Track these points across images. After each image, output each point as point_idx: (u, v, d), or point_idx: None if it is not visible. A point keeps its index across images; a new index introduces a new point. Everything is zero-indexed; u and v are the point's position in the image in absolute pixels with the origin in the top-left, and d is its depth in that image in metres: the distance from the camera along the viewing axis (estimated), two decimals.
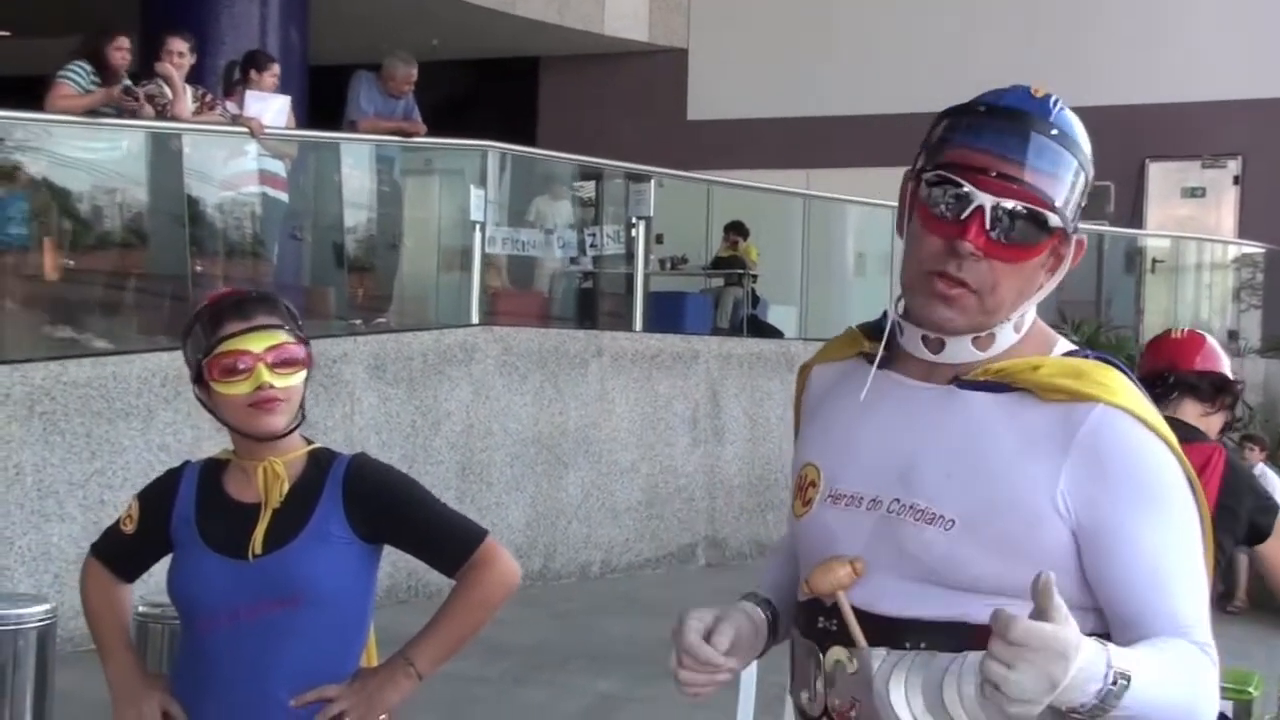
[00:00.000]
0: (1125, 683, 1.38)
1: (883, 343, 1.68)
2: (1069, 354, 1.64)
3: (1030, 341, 1.64)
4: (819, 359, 1.82)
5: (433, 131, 8.48)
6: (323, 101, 9.56)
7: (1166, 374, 3.18)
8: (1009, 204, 1.53)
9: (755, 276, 11.01)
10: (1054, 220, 1.55)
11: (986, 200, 1.53)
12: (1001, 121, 1.56)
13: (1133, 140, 13.54)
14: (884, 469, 1.62)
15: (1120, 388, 1.57)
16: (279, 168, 7.79)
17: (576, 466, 8.33)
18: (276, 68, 7.92)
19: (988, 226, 1.54)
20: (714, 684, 1.68)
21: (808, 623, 1.66)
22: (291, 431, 2.22)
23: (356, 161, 8.48)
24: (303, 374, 2.21)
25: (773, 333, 10.55)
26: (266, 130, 7.48)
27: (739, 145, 14.18)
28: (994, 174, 1.54)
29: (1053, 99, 1.59)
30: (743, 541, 9.13)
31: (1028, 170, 1.54)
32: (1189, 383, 3.17)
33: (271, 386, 2.16)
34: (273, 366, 2.17)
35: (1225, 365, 3.25)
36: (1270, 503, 3.20)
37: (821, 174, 13.02)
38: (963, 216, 1.54)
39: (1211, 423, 3.20)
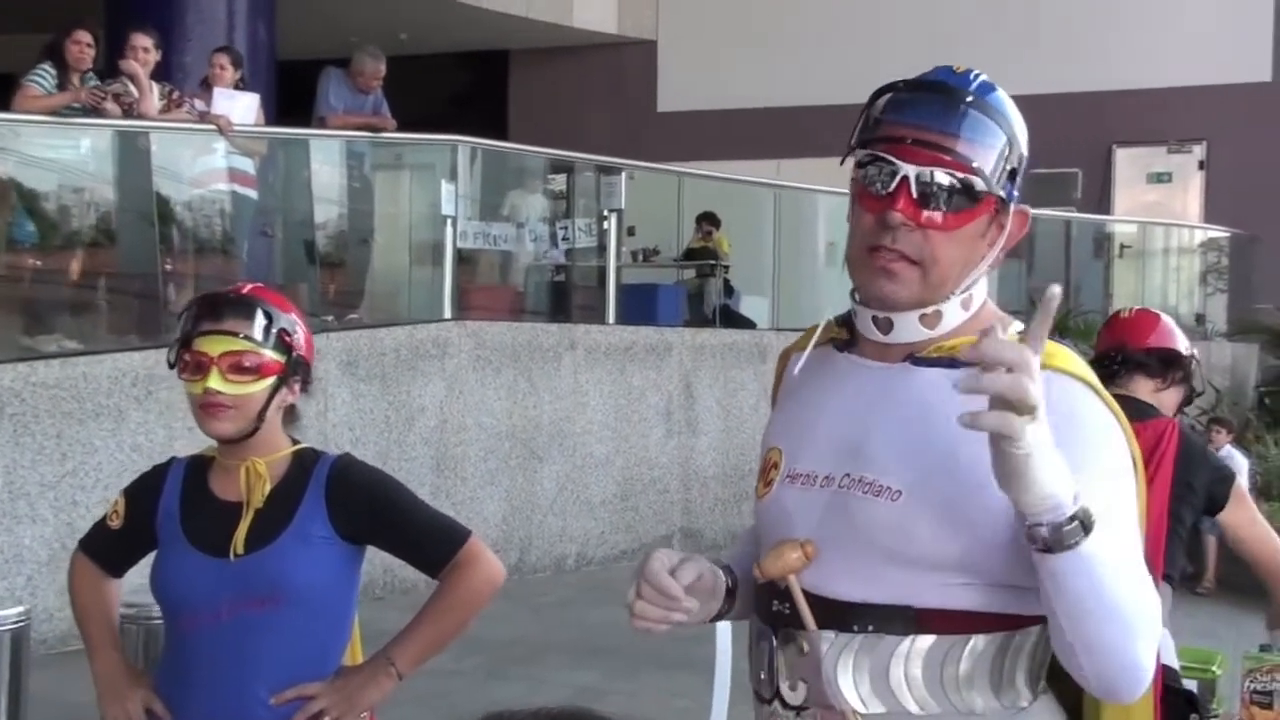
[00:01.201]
0: (1085, 528, 1.41)
1: (820, 330, 1.73)
2: (1022, 334, 1.65)
3: (981, 321, 1.65)
4: (796, 345, 1.84)
5: (403, 127, 8.46)
6: (291, 98, 9.53)
7: (1116, 353, 3.21)
8: (933, 171, 1.56)
9: (727, 267, 11.03)
10: (979, 184, 1.57)
11: (910, 170, 1.57)
12: (922, 94, 1.60)
13: (1100, 126, 13.64)
14: (838, 447, 1.64)
15: (1065, 357, 1.60)
16: (248, 165, 7.75)
17: (551, 460, 8.34)
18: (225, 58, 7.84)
19: (915, 196, 1.57)
20: (667, 620, 1.66)
21: (762, 606, 1.68)
22: (247, 438, 2.22)
23: (326, 158, 8.45)
24: (266, 383, 2.21)
25: (745, 323, 10.57)
26: (235, 128, 7.44)
27: (709, 136, 14.21)
28: (910, 141, 1.57)
29: (973, 73, 1.63)
30: (718, 532, 9.16)
31: (949, 138, 1.57)
32: (1137, 360, 3.19)
33: (218, 393, 2.18)
34: (225, 373, 2.18)
35: (1178, 341, 3.26)
36: (1225, 472, 3.24)
37: (792, 164, 13.06)
38: (891, 189, 1.58)
39: (1165, 399, 3.21)
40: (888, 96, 1.62)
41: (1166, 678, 2.77)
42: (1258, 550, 3.17)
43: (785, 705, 1.64)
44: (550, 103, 15.19)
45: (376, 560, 2.32)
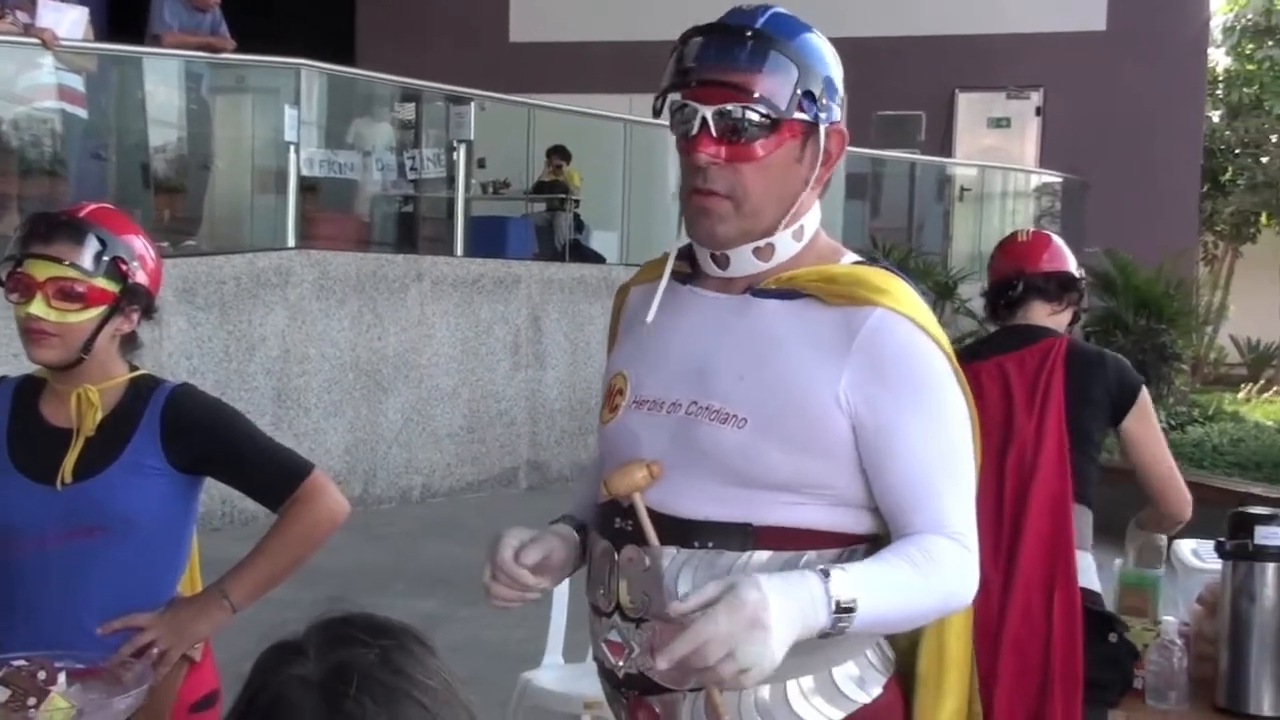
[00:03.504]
0: (849, 613, 1.53)
1: (669, 262, 1.79)
2: (856, 264, 1.75)
3: (815, 251, 1.74)
4: (635, 280, 1.91)
5: (244, 48, 8.20)
6: (124, 15, 9.13)
7: (1015, 280, 3.19)
8: (727, 108, 1.63)
9: (578, 201, 11.01)
10: (773, 113, 1.64)
11: (707, 110, 1.64)
12: (710, 37, 1.67)
13: (942, 71, 13.93)
14: (683, 375, 1.71)
15: (898, 293, 1.68)
16: (77, 82, 7.43)
17: (396, 392, 8.27)
18: None
19: (715, 134, 1.64)
20: (522, 600, 1.76)
21: (605, 523, 1.75)
22: (73, 366, 2.17)
23: (162, 78, 8.15)
24: (93, 313, 2.14)
25: (595, 258, 10.58)
26: (61, 42, 7.11)
27: (562, 68, 14.09)
28: (703, 82, 1.64)
29: (761, 8, 1.69)
30: (564, 464, 9.22)
31: (737, 73, 1.63)
32: (1036, 285, 3.18)
33: (41, 319, 2.12)
34: (50, 299, 2.12)
35: (1070, 262, 3.25)
36: (1127, 375, 3.12)
37: (644, 99, 12.96)
38: (694, 131, 1.65)
39: (1061, 319, 3.22)
40: (685, 44, 1.68)
41: (1086, 600, 2.88)
42: (1157, 469, 3.09)
43: (625, 618, 1.70)
44: (399, 29, 14.87)
45: (215, 491, 2.29)
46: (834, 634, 1.55)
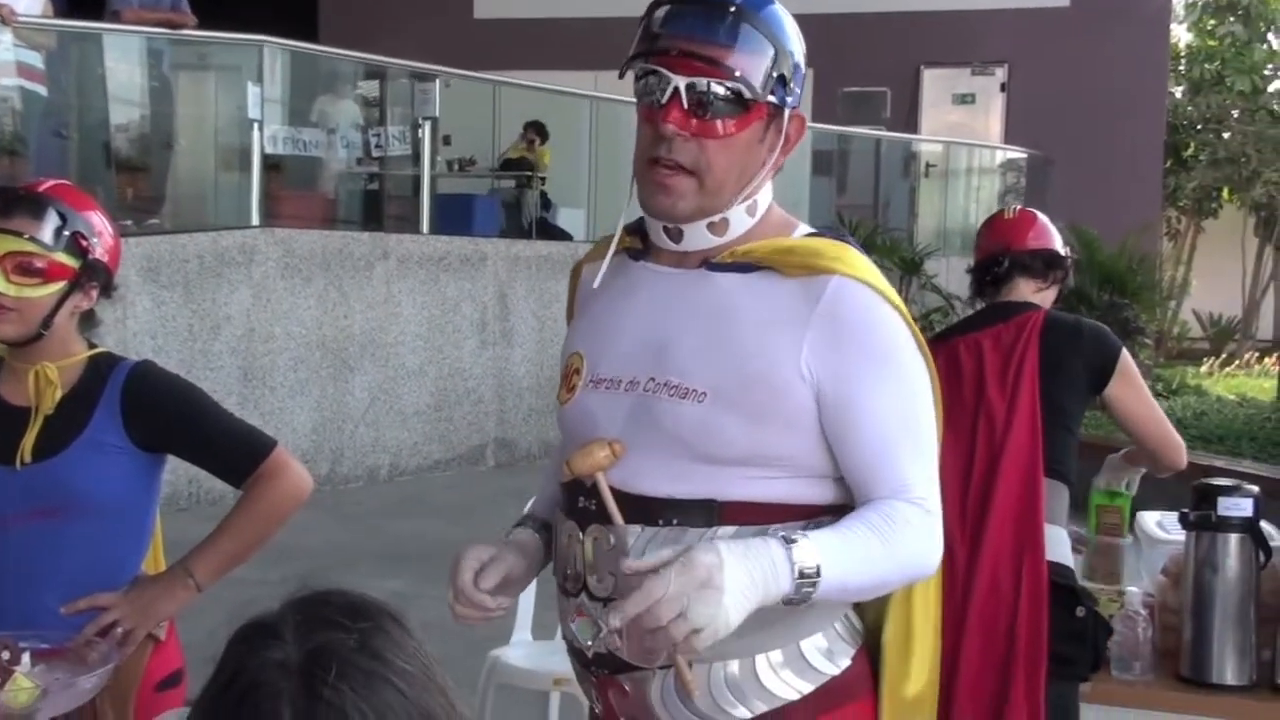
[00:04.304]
0: (813, 580, 1.53)
1: (617, 236, 1.78)
2: (809, 235, 1.75)
3: (769, 225, 1.74)
4: (588, 258, 1.89)
5: (205, 24, 8.11)
6: None
7: (1001, 257, 3.19)
8: (700, 81, 1.62)
9: (544, 179, 10.96)
10: (747, 92, 1.63)
11: (680, 81, 1.62)
12: (691, 7, 1.64)
13: (908, 47, 13.94)
14: (640, 352, 1.70)
15: (855, 261, 1.68)
16: (36, 59, 7.34)
17: (363, 370, 8.24)
18: None
19: (685, 106, 1.62)
20: (487, 619, 1.76)
21: (569, 503, 1.74)
22: (32, 342, 2.15)
23: (123, 55, 8.06)
24: (53, 288, 2.13)
25: (562, 235, 10.56)
26: (19, 18, 7.02)
27: (527, 45, 14.01)
28: (679, 52, 1.62)
29: None
30: (532, 442, 9.22)
31: (716, 48, 1.62)
32: (1022, 263, 3.17)
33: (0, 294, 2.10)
34: (9, 274, 2.10)
35: (1056, 240, 3.25)
36: (1106, 342, 3.09)
37: (610, 76, 12.92)
38: (663, 101, 1.63)
39: (1046, 296, 3.21)
40: (661, 10, 1.65)
41: (1055, 574, 2.90)
42: (1149, 430, 3.07)
43: (592, 597, 1.70)
44: (363, 5, 14.73)
45: (181, 471, 2.28)
46: (798, 600, 1.54)
